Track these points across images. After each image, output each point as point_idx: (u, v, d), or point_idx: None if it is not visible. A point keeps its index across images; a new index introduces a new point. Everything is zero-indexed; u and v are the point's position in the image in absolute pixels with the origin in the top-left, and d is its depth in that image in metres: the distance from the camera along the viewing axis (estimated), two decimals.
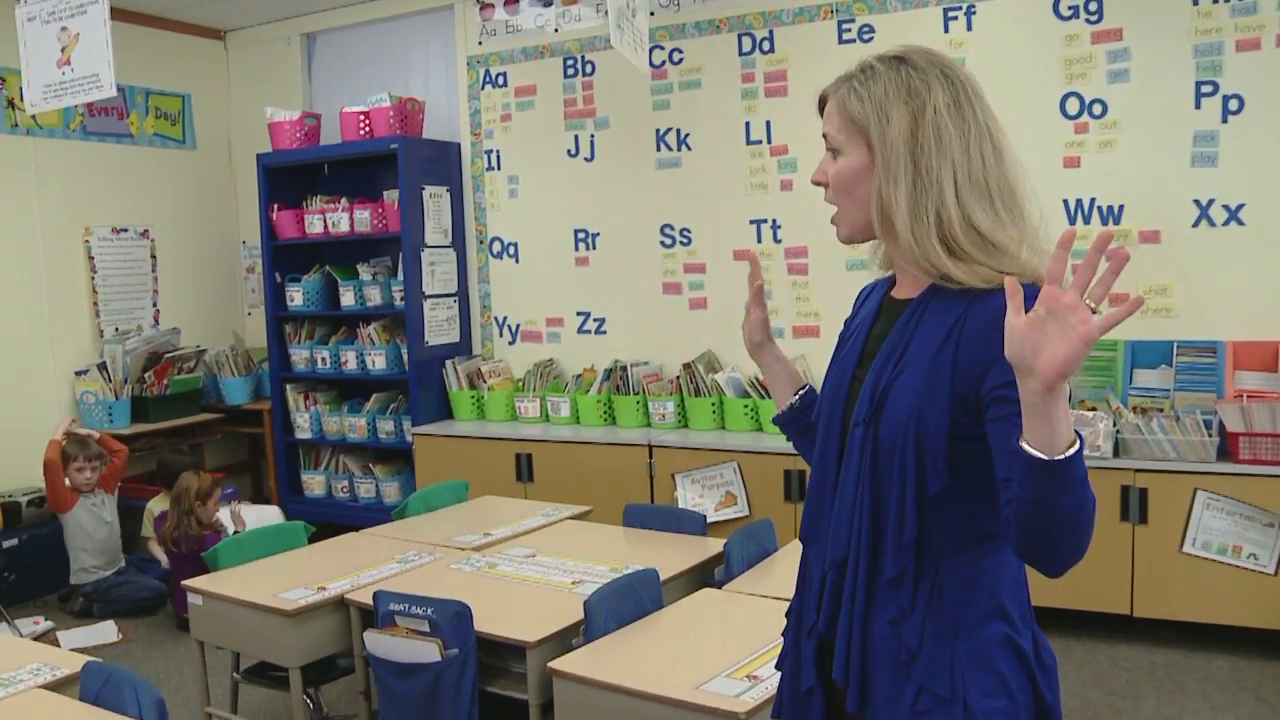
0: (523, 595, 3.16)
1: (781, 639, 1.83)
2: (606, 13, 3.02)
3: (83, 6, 3.69)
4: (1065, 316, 1.25)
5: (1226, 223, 4.54)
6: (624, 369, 5.69)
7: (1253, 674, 4.11)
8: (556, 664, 2.63)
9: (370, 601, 3.06)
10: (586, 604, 2.82)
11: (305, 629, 3.15)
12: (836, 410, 1.69)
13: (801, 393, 1.97)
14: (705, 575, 3.38)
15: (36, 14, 3.81)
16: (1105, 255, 1.27)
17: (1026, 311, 1.31)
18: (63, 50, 3.71)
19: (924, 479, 1.53)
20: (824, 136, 1.67)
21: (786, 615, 1.83)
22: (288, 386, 6.53)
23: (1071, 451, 1.31)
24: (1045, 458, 1.31)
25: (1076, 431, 1.34)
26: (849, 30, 5.17)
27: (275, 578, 3.41)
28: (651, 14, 5.63)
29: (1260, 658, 4.23)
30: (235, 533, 5.00)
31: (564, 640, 2.84)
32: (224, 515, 5.17)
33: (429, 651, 2.87)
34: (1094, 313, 1.26)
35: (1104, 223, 4.73)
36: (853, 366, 1.70)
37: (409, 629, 2.94)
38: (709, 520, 4.91)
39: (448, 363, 6.16)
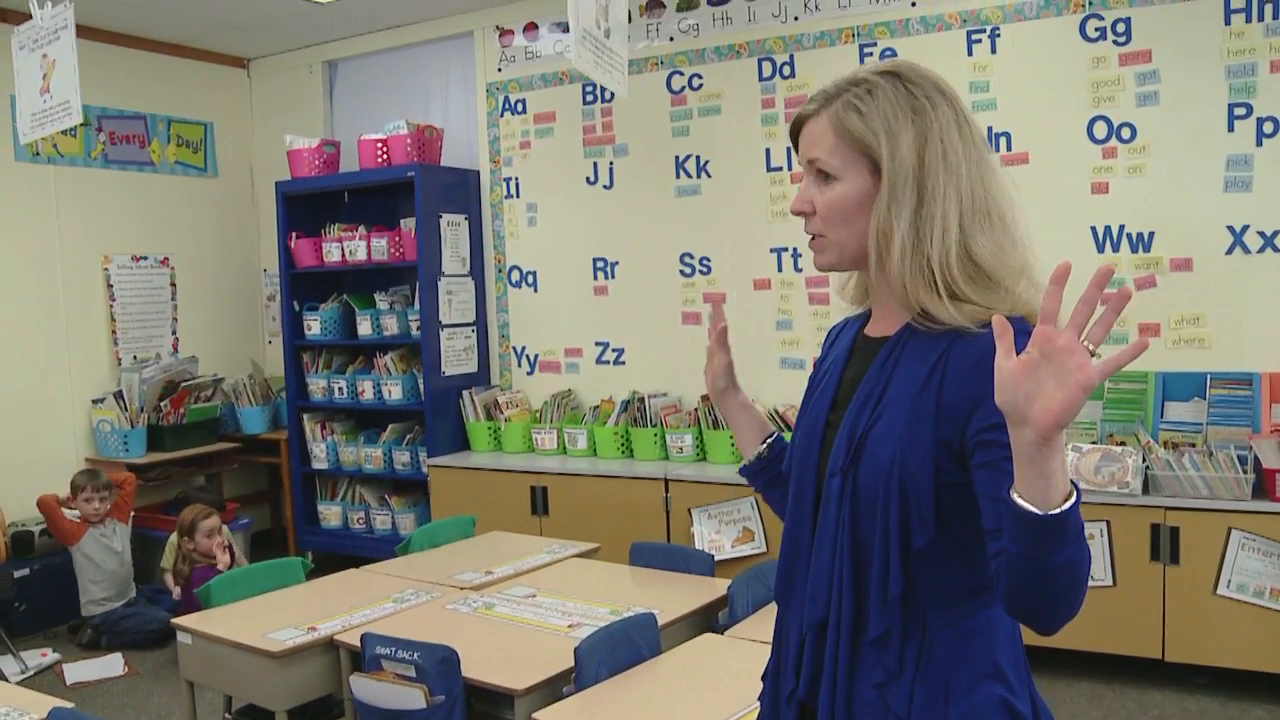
0: (517, 639, 3.04)
1: (758, 703, 1.70)
2: (571, 43, 2.94)
3: (56, 32, 3.63)
4: (1062, 360, 1.14)
5: (1262, 250, 4.37)
6: (642, 400, 5.58)
7: None
8: (541, 715, 2.51)
9: (359, 643, 2.95)
10: (577, 651, 2.70)
11: (292, 671, 3.04)
12: (810, 458, 1.56)
13: (770, 441, 1.85)
14: (709, 619, 3.25)
15: (25, 42, 3.77)
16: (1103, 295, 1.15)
17: (1018, 353, 1.19)
18: (44, 78, 3.66)
19: (909, 530, 1.41)
20: (809, 162, 1.51)
21: (763, 678, 1.70)
22: (305, 416, 6.47)
23: (1067, 506, 1.19)
24: (1039, 513, 1.19)
25: (1073, 482, 1.22)
26: (871, 54, 5.06)
27: (267, 616, 3.31)
28: (671, 39, 5.55)
29: None
30: (228, 567, 4.93)
31: (555, 688, 2.73)
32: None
33: (414, 698, 2.75)
34: (1093, 356, 1.14)
35: (1134, 251, 4.57)
36: (826, 411, 1.58)
37: (395, 674, 2.83)
38: (727, 556, 4.83)
39: (465, 393, 6.08)
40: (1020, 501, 1.20)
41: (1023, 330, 1.30)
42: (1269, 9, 4.32)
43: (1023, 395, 1.16)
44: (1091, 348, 1.14)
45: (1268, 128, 4.34)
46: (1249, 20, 4.34)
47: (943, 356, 1.42)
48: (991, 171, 1.49)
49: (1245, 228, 4.39)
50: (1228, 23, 4.37)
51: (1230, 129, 4.39)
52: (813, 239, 1.55)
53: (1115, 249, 4.59)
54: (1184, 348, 4.49)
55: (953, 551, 1.41)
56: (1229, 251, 4.42)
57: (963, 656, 1.43)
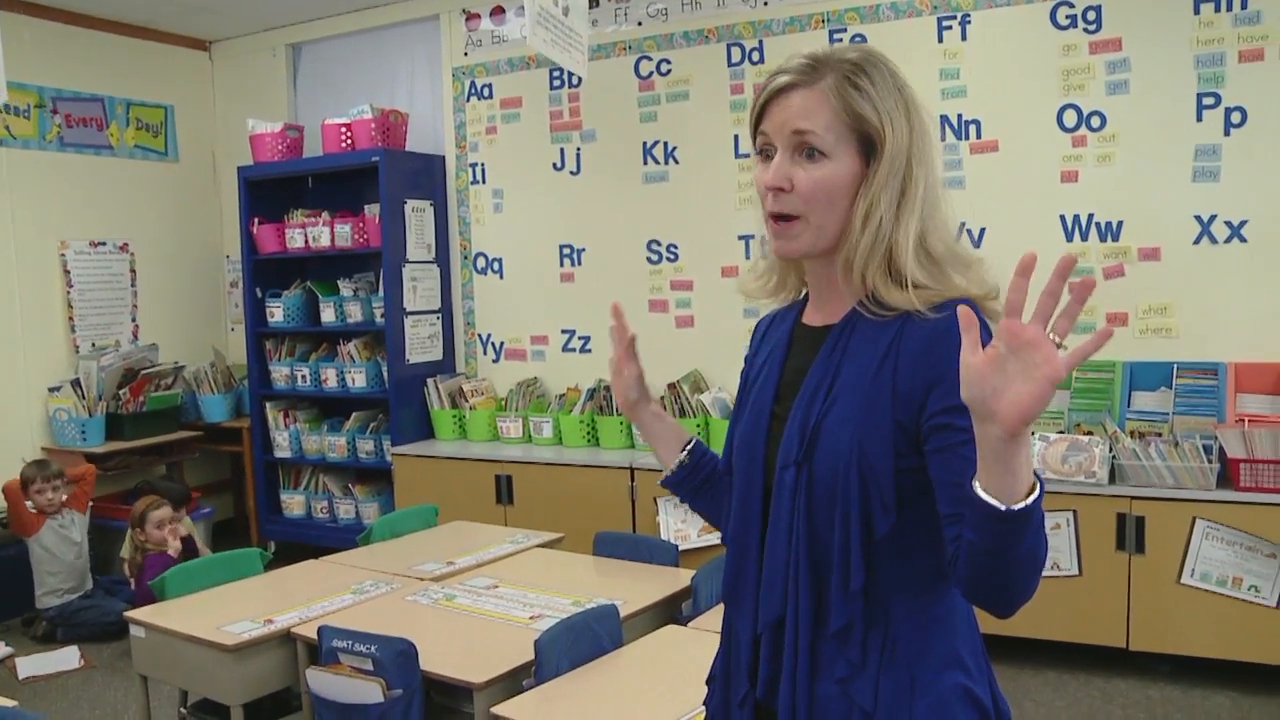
0: (477, 631, 2.99)
1: (703, 708, 1.66)
2: (526, 24, 2.87)
3: None
4: (1028, 354, 1.11)
5: (1229, 240, 4.37)
6: (608, 388, 5.53)
7: (1254, 711, 3.92)
8: (501, 709, 2.46)
9: (316, 636, 2.90)
10: (538, 644, 2.65)
11: (248, 664, 2.98)
12: (756, 454, 1.52)
13: (689, 447, 1.80)
14: (672, 610, 3.20)
15: None
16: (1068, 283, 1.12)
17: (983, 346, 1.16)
18: None
19: (870, 519, 1.37)
20: (794, 133, 1.41)
21: (708, 683, 1.66)
22: (267, 404, 6.38)
23: (1030, 500, 1.17)
24: (1003, 507, 1.17)
25: (1036, 474, 1.19)
26: (840, 39, 5.02)
27: (223, 608, 3.24)
28: (639, 23, 5.49)
29: (1261, 694, 4.03)
30: (179, 554, 4.85)
31: (515, 681, 2.68)
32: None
33: (371, 692, 2.70)
34: (1059, 348, 1.11)
35: (1102, 240, 4.56)
36: (769, 403, 1.53)
37: (352, 667, 2.78)
38: (693, 546, 4.79)
39: (429, 381, 6.01)
40: (984, 496, 1.18)
41: (966, 303, 1.29)
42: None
43: (989, 390, 1.13)
44: (1057, 339, 1.11)
45: (1235, 118, 4.33)
46: (1218, 10, 4.33)
47: (895, 340, 1.39)
48: (938, 162, 1.48)
49: (1213, 218, 4.38)
50: (1197, 12, 4.36)
51: (1199, 119, 4.38)
52: (781, 222, 1.44)
53: (1084, 238, 4.58)
54: (1151, 337, 4.48)
55: (914, 538, 1.38)
56: (1196, 241, 4.41)
57: (926, 646, 1.40)
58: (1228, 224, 4.36)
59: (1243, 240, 4.35)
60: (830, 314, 1.51)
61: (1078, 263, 1.26)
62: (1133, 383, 4.47)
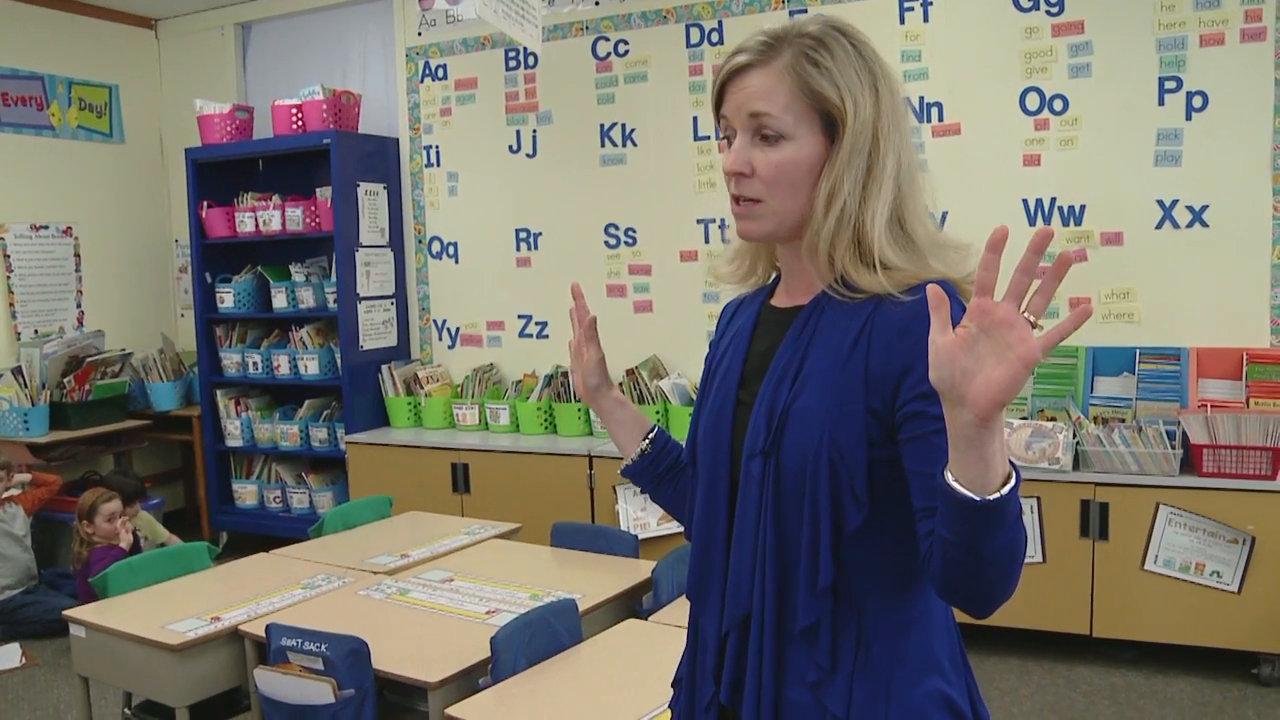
0: (432, 627, 2.90)
1: (669, 710, 1.59)
2: (550, 2, 2.77)
3: None
4: (1001, 334, 1.03)
5: (1190, 224, 4.35)
6: (565, 375, 5.44)
7: (1215, 696, 3.92)
8: (455, 710, 2.38)
9: (265, 634, 2.80)
10: (494, 640, 2.56)
11: (193, 664, 2.87)
12: (722, 443, 1.43)
13: (651, 436, 1.72)
14: (633, 603, 3.13)
15: None
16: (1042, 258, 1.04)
17: (954, 327, 1.08)
18: None
19: (841, 512, 1.29)
20: (751, 116, 1.34)
21: (674, 685, 1.58)
22: (218, 392, 6.24)
23: (1006, 490, 1.10)
24: (977, 498, 1.09)
25: (1012, 463, 1.12)
26: None
27: (168, 606, 3.13)
28: (596, 3, 5.39)
29: (1223, 679, 4.03)
30: (131, 546, 4.72)
31: (471, 679, 2.59)
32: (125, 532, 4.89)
33: (322, 692, 2.61)
34: (1034, 328, 1.03)
35: (1065, 224, 4.52)
36: (734, 389, 1.45)
37: (302, 666, 2.68)
38: (652, 534, 4.72)
39: (384, 367, 5.89)
40: (956, 486, 1.10)
41: (953, 297, 1.22)
42: None
43: (959, 372, 1.06)
44: (1032, 319, 1.04)
45: (1197, 102, 4.31)
46: None
47: (867, 323, 1.32)
48: (911, 140, 1.40)
49: (1174, 202, 4.36)
50: None
51: (1161, 103, 4.35)
52: (742, 204, 1.38)
53: (1046, 221, 4.55)
54: (1114, 322, 4.46)
55: (887, 533, 1.31)
56: (1158, 226, 4.39)
57: (902, 649, 1.33)
58: (1189, 209, 4.34)
59: (1204, 225, 4.33)
60: (799, 296, 1.44)
61: (1053, 237, 1.19)
62: (1095, 368, 4.44)
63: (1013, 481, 1.10)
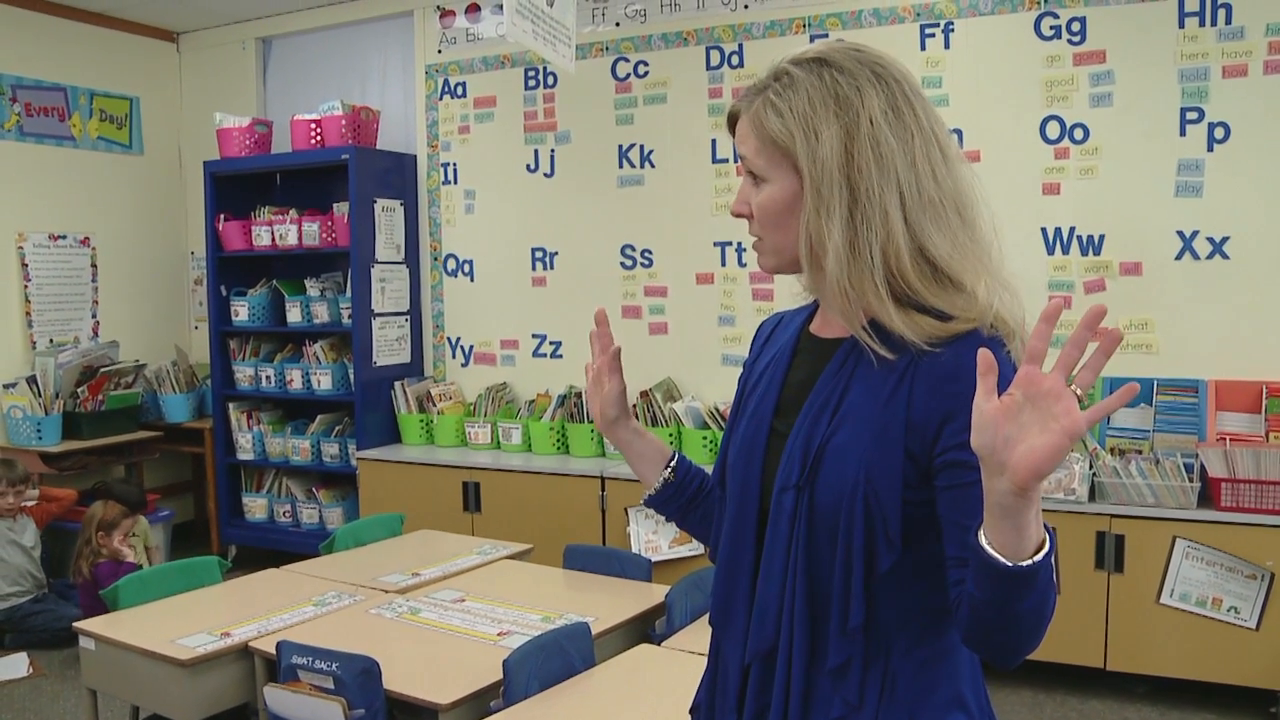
0: (444, 648, 2.88)
1: None
2: (505, 17, 2.76)
3: None
4: (1047, 405, 1.03)
5: (1210, 256, 4.32)
6: (579, 395, 5.43)
7: None
8: None
9: (275, 651, 2.78)
10: (507, 663, 2.54)
11: (203, 680, 2.85)
12: (753, 471, 1.41)
13: (674, 464, 1.66)
14: (645, 628, 3.10)
15: None
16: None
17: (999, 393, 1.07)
18: None
19: (873, 553, 1.28)
20: (741, 159, 1.39)
21: (691, 712, 1.56)
22: (230, 405, 6.23)
23: (1039, 557, 1.10)
24: (1008, 564, 1.09)
25: (1047, 528, 1.11)
26: None
27: (178, 620, 3.11)
28: (617, 24, 5.40)
29: (1239, 716, 3.99)
30: (139, 566, 4.71)
31: (482, 701, 2.57)
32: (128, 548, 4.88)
33: (332, 712, 2.58)
34: (1079, 402, 1.03)
35: (1084, 254, 4.50)
36: (769, 417, 1.43)
37: (312, 685, 2.66)
38: (664, 558, 4.69)
39: (397, 384, 5.88)
40: (989, 550, 1.10)
41: (1001, 360, 1.19)
42: (1221, 14, 4.26)
43: (1001, 439, 1.05)
44: (1079, 392, 1.03)
45: (1219, 133, 4.29)
46: (1202, 24, 4.29)
47: (910, 365, 1.29)
48: (947, 160, 1.34)
49: (1195, 233, 4.33)
50: (1181, 25, 4.31)
51: (1182, 133, 4.34)
52: (756, 241, 1.42)
53: (1065, 251, 4.52)
54: (1131, 353, 4.43)
55: (916, 574, 1.30)
56: (1178, 257, 4.36)
57: (927, 686, 1.32)
58: (1210, 240, 4.32)
59: (1225, 257, 4.30)
60: (837, 327, 1.41)
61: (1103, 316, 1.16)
62: None
63: (1046, 548, 1.10)
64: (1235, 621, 3.92)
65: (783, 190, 1.34)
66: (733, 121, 1.41)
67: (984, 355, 1.08)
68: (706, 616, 3.01)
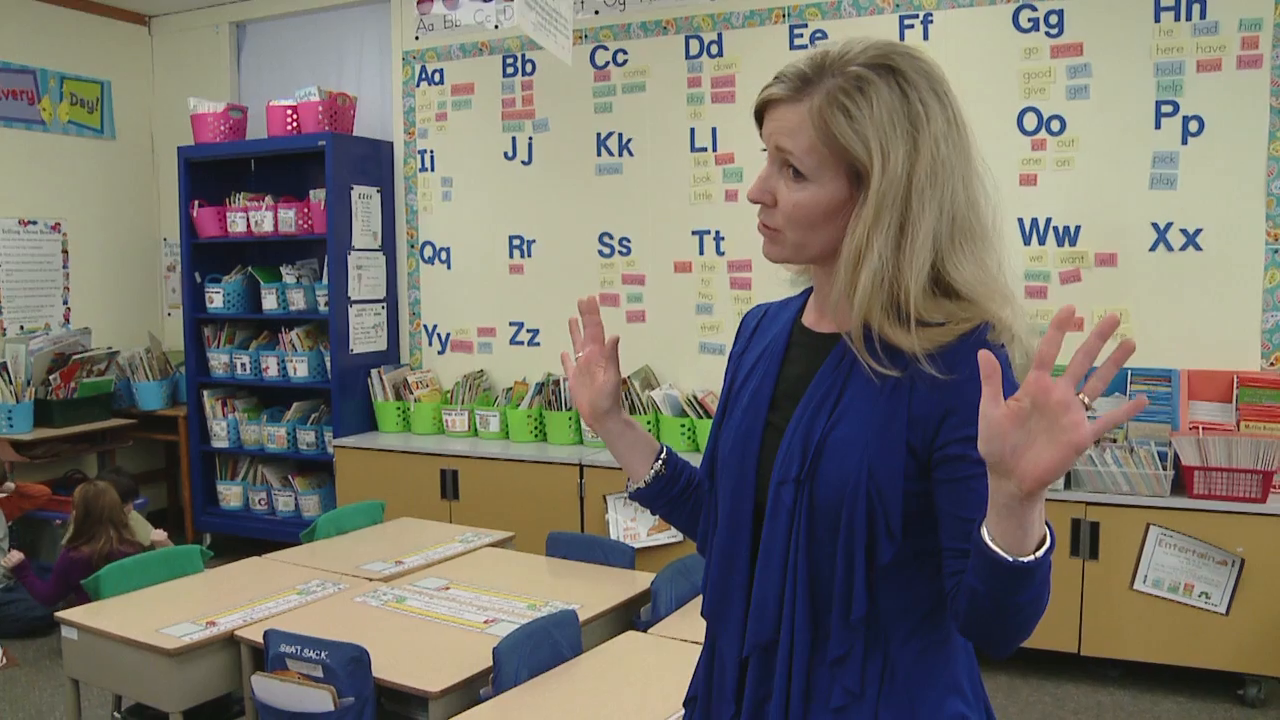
0: (431, 636, 2.89)
1: None
2: (515, 7, 2.78)
3: None
4: (1056, 415, 1.04)
5: (1184, 248, 4.38)
6: (556, 383, 5.43)
7: (1201, 716, 3.94)
8: None
9: (262, 640, 2.77)
10: (496, 651, 2.56)
11: (188, 669, 2.85)
12: (748, 464, 1.42)
13: (664, 458, 1.61)
14: (630, 615, 3.12)
15: None
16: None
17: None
18: None
19: (875, 546, 1.29)
20: (777, 149, 1.32)
21: (686, 704, 1.57)
22: (205, 392, 6.20)
23: (1040, 553, 1.13)
24: (1010, 559, 1.12)
25: (1048, 525, 1.14)
26: (801, 36, 4.96)
27: (161, 609, 3.11)
28: (596, 12, 5.39)
29: (1209, 700, 4.06)
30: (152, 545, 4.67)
31: (472, 689, 2.59)
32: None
33: (321, 700, 2.59)
34: (1087, 410, 1.04)
35: (1060, 245, 4.55)
36: (764, 410, 1.43)
37: (301, 674, 2.66)
38: (642, 545, 4.70)
39: (373, 372, 5.87)
40: (992, 545, 1.13)
41: (990, 344, 1.25)
42: (1196, 9, 4.31)
43: (1009, 447, 1.07)
44: (1087, 401, 1.04)
45: (1193, 126, 4.34)
46: (1178, 19, 4.33)
47: (910, 364, 1.30)
48: (979, 182, 1.34)
49: (1169, 225, 4.39)
50: (1157, 20, 4.36)
51: (1157, 126, 4.39)
52: (765, 227, 1.37)
53: (1041, 242, 4.57)
54: (1106, 343, 4.47)
55: (913, 564, 1.32)
56: (1153, 248, 4.42)
57: (925, 673, 1.34)
58: (1183, 232, 4.38)
59: (1198, 248, 4.36)
60: (834, 320, 1.41)
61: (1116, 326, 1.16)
62: None
63: (1047, 544, 1.13)
64: (1206, 607, 3.99)
65: (829, 195, 1.31)
66: (765, 106, 1.36)
67: (987, 358, 1.08)
68: (692, 604, 3.06)
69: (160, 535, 4.88)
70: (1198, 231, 4.35)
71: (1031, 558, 1.12)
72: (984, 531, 1.14)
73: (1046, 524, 1.14)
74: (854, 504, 1.29)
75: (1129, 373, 4.39)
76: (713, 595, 1.47)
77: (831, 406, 1.34)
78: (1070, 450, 1.03)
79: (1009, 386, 1.16)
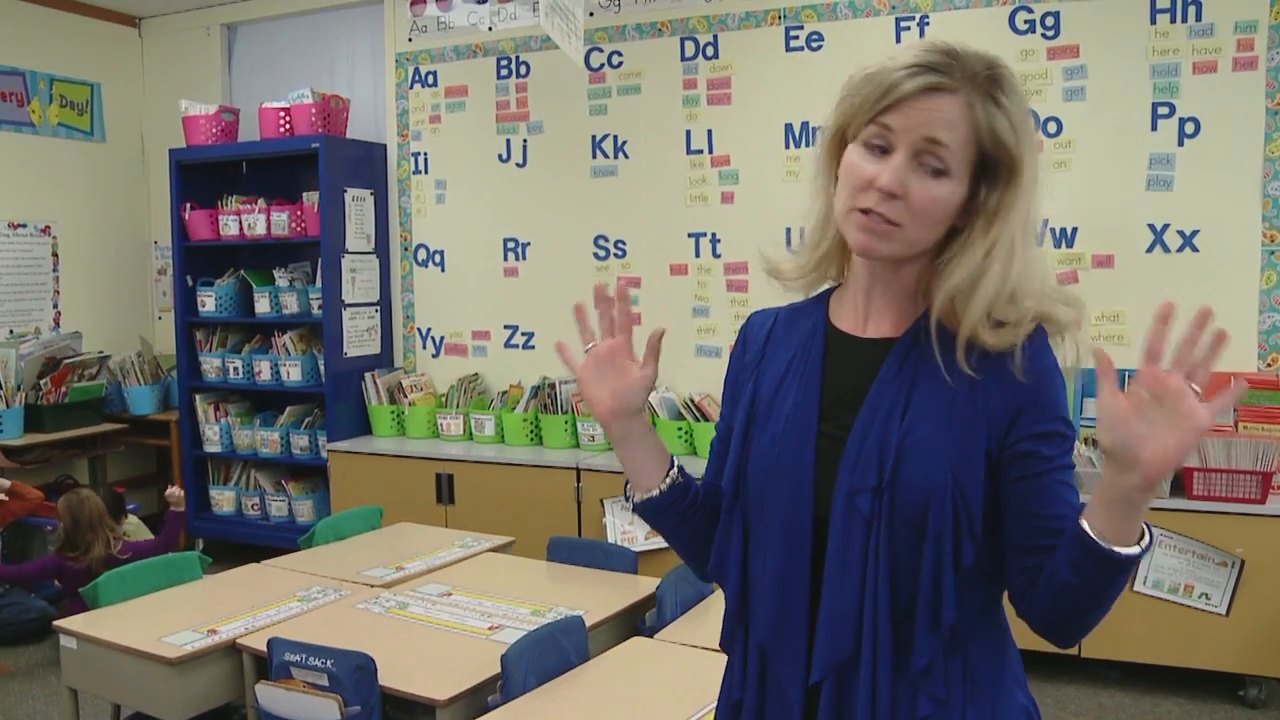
0: (435, 642, 2.87)
1: None
2: (540, 10, 2.77)
3: None
4: (1175, 403, 1.09)
5: (1181, 249, 4.39)
6: (552, 386, 5.41)
7: (1202, 717, 3.95)
8: None
9: (265, 648, 2.75)
10: (504, 658, 2.54)
11: (190, 678, 2.82)
12: (804, 478, 1.37)
13: (678, 466, 1.50)
14: (635, 620, 3.11)
15: None
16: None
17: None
18: None
19: (960, 548, 1.29)
20: (928, 140, 1.26)
21: None
22: (197, 397, 6.16)
23: (1144, 544, 1.18)
24: (1119, 552, 1.16)
25: (1145, 522, 1.19)
26: (797, 38, 4.96)
27: (162, 617, 3.07)
28: (591, 14, 5.37)
29: (1210, 701, 4.07)
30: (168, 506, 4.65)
31: (479, 697, 2.56)
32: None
33: (327, 709, 2.57)
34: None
35: (1057, 246, 4.56)
36: (815, 420, 1.39)
37: (306, 682, 2.64)
38: (640, 549, 4.67)
39: (367, 375, 5.84)
40: (1098, 539, 1.16)
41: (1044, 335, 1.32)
42: (1192, 11, 4.32)
43: (1134, 436, 1.11)
44: (1196, 389, 1.09)
45: (1189, 128, 4.35)
46: (1174, 21, 4.34)
47: (979, 363, 1.31)
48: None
49: (1165, 226, 4.40)
50: (1153, 22, 4.37)
51: (1154, 128, 4.39)
52: (876, 218, 1.28)
53: (1039, 243, 4.56)
54: (1104, 345, 4.45)
55: (983, 565, 1.32)
56: (1149, 250, 4.43)
57: (997, 672, 1.37)
58: (1180, 233, 4.38)
59: (1194, 250, 4.37)
60: (884, 324, 1.39)
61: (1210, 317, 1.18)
62: (1086, 390, 4.47)
63: (1149, 537, 1.18)
64: (1206, 608, 4.00)
65: (958, 193, 1.30)
66: (916, 91, 1.27)
67: (1102, 356, 1.15)
68: (698, 608, 3.03)
69: (176, 492, 4.77)
70: (1194, 233, 4.36)
71: (1137, 548, 1.16)
72: (1085, 525, 1.17)
73: (1145, 523, 1.19)
74: (941, 508, 1.28)
75: (1127, 374, 4.38)
76: (769, 624, 1.39)
77: (902, 411, 1.32)
78: (1194, 434, 1.09)
79: (1052, 374, 1.27)
